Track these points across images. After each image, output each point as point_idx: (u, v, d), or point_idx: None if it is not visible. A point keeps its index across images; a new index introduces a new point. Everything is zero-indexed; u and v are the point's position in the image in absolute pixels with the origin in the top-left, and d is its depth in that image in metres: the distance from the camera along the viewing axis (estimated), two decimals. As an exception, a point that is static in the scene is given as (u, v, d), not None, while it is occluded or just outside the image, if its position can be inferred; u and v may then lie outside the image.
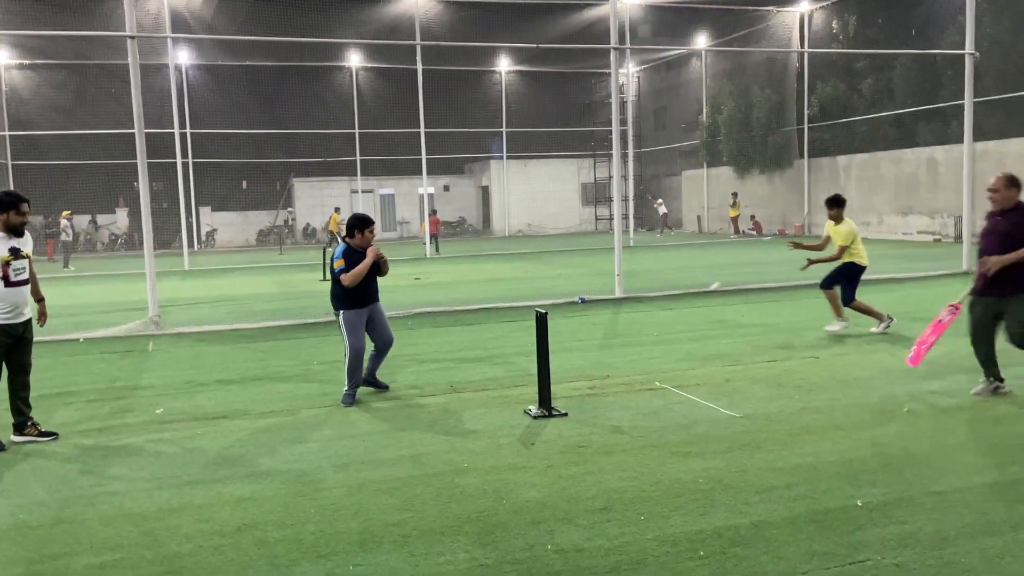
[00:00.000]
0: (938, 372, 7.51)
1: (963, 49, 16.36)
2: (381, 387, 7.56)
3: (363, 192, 36.91)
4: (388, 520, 4.45)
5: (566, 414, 6.41)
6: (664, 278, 16.62)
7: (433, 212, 28.76)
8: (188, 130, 31.98)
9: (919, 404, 6.40)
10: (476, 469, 5.22)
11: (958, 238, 22.96)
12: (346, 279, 6.92)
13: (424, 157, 26.36)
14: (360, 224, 7.11)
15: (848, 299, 9.72)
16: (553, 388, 6.67)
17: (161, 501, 4.86)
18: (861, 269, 9.75)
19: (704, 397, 6.82)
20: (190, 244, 28.66)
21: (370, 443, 5.91)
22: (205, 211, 37.62)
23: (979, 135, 19.90)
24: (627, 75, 39.44)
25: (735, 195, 33.15)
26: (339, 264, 6.97)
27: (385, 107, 36.92)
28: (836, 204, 9.84)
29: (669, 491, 4.71)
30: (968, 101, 16.25)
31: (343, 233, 7.50)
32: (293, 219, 39.10)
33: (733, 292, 14.07)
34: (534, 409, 6.48)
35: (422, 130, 26.07)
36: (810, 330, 9.97)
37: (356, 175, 36.70)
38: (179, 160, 25.97)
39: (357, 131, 36.22)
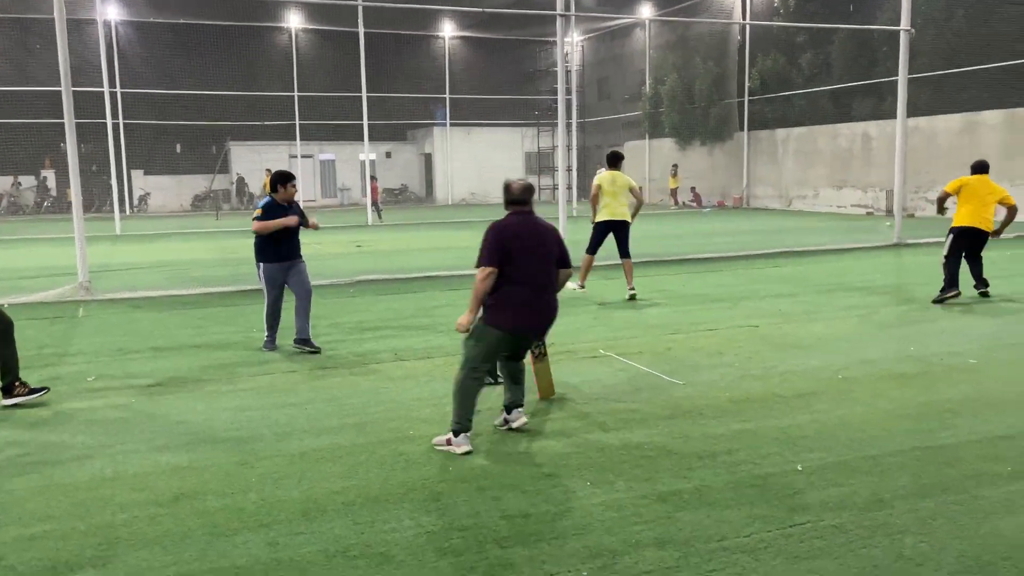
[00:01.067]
0: (868, 342, 7.71)
1: (899, 26, 16.70)
2: (313, 349, 7.68)
3: (302, 157, 36.08)
4: (332, 488, 4.39)
5: (511, 381, 6.39)
6: (605, 248, 16.68)
7: (373, 178, 28.34)
8: (119, 89, 30.76)
9: (853, 372, 6.56)
10: (421, 437, 5.18)
11: (890, 212, 23.65)
12: (255, 226, 7.43)
13: (366, 122, 25.90)
14: (282, 179, 7.54)
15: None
16: (498, 356, 6.64)
17: (94, 471, 4.71)
18: (598, 225, 10.58)
19: (647, 365, 6.89)
20: (122, 208, 27.71)
21: (312, 411, 5.81)
22: (137, 174, 36.35)
23: (911, 111, 20.41)
24: (571, 44, 39.28)
25: (675, 167, 33.62)
26: (258, 212, 7.51)
27: (326, 70, 36.05)
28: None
29: (614, 457, 4.75)
30: (902, 77, 16.62)
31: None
32: (244, 183, 38.05)
33: (676, 262, 14.24)
34: (479, 377, 6.44)
35: (363, 95, 25.57)
36: (749, 299, 10.14)
37: (295, 139, 35.87)
38: (109, 120, 24.98)
39: (296, 94, 35.29)
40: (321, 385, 6.54)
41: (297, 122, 35.21)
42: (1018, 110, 21.53)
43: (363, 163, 32.10)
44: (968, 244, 9.69)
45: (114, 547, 3.74)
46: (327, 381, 6.65)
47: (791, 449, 4.81)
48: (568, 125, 30.09)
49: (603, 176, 10.55)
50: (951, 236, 9.72)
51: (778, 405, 5.71)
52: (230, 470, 4.68)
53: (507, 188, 5.16)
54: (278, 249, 7.58)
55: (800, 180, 28.97)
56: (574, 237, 14.70)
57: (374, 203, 27.29)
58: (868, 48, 25.88)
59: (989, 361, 6.79)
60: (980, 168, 9.90)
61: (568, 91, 32.06)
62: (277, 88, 35.58)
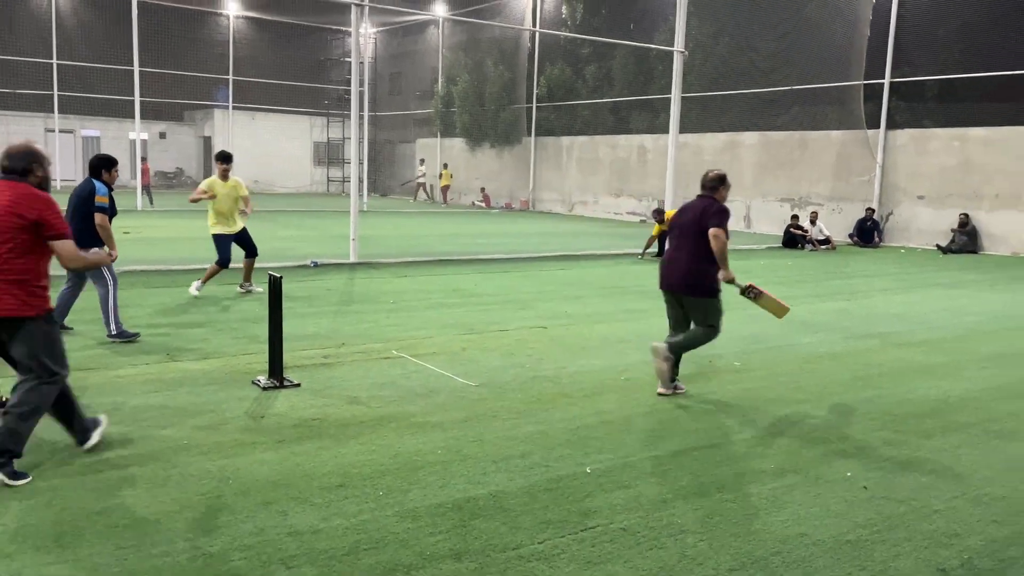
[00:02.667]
0: (647, 344, 8.12)
1: (673, 47, 17.91)
2: (67, 329, 7.59)
3: (61, 132, 32.59)
4: (90, 508, 3.89)
5: (299, 385, 6.07)
6: (398, 245, 16.54)
7: (144, 160, 26.22)
8: None
9: (634, 373, 6.87)
10: (197, 447, 4.76)
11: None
12: (101, 220, 7.08)
13: (137, 99, 23.83)
14: (107, 164, 7.39)
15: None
16: (284, 357, 6.28)
17: None
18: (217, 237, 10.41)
19: (441, 366, 6.81)
20: None
21: (68, 419, 5.16)
22: None
23: (681, 128, 21.99)
24: (364, 36, 38.60)
25: (445, 165, 34.73)
26: (103, 200, 7.17)
27: (93, 39, 32.82)
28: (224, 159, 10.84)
29: (408, 464, 4.61)
30: (675, 95, 17.83)
31: None
32: None
33: (467, 261, 14.34)
34: (263, 380, 6.06)
35: (136, 68, 23.51)
36: (537, 300, 10.39)
37: (53, 112, 32.33)
38: None
39: (55, 62, 31.82)
40: (78, 390, 5.83)
41: (56, 92, 31.77)
42: (770, 133, 23.88)
43: (133, 143, 29.57)
44: None
45: None
46: (87, 386, 5.96)
47: (581, 451, 4.92)
48: (361, 118, 29.52)
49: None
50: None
51: (569, 406, 5.84)
52: (-38, 492, 4.03)
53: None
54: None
55: (582, 186, 30.35)
56: (362, 232, 14.44)
57: (145, 187, 25.28)
58: (646, 66, 27.59)
59: (750, 363, 7.38)
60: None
61: (361, 83, 31.49)
62: (32, 53, 31.88)
